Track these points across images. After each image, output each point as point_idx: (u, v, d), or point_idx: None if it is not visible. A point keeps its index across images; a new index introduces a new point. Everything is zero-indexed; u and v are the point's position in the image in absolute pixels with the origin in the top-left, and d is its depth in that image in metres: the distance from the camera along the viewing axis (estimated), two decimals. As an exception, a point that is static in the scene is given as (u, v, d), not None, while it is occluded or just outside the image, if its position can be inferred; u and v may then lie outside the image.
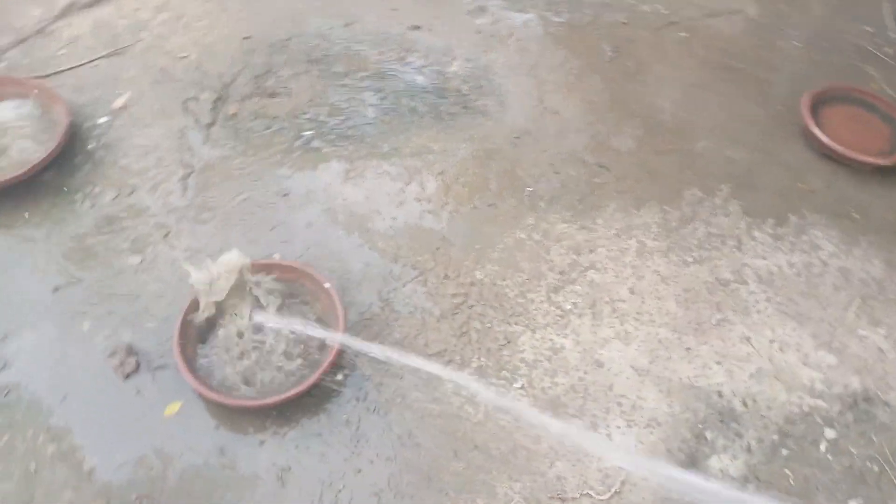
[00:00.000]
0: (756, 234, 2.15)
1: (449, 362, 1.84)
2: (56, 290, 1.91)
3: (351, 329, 1.86)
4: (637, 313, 1.96)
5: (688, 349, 1.90)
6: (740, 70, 2.66)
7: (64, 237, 2.01)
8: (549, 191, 2.22)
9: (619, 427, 1.75)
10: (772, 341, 1.92)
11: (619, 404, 1.79)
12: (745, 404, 1.80)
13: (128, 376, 1.78)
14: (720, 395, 1.81)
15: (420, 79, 2.51)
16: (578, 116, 2.44)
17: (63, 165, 2.16)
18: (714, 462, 1.71)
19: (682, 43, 2.75)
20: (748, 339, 1.92)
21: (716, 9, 2.90)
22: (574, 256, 2.07)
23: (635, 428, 1.75)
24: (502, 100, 2.47)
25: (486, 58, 2.60)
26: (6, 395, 1.73)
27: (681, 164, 2.33)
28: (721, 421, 1.77)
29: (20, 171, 2.03)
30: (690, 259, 2.08)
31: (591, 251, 2.09)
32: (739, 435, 1.75)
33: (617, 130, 2.41)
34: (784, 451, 1.72)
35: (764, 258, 2.09)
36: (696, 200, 2.23)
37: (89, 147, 2.21)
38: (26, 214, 2.05)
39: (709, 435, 1.75)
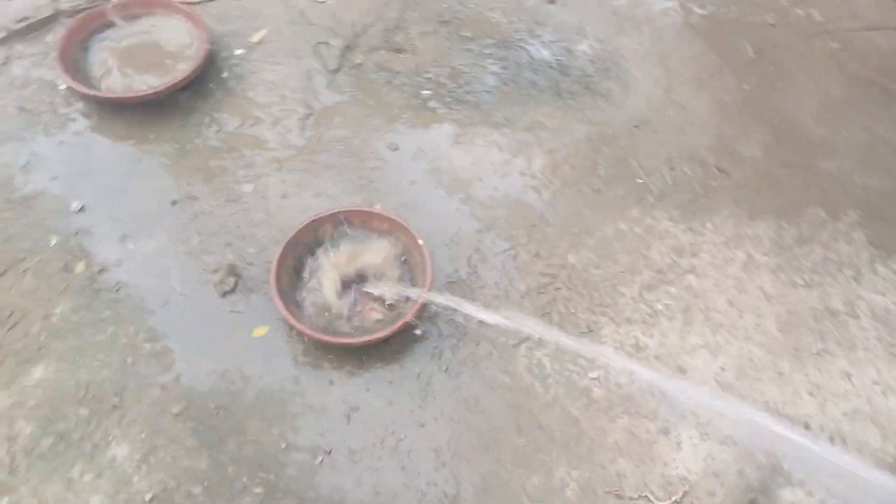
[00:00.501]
0: (879, 267, 1.99)
1: (527, 339, 1.83)
2: (174, 203, 2.04)
3: (436, 289, 1.89)
4: (732, 327, 1.87)
5: (780, 373, 1.79)
6: (893, 92, 2.45)
7: (187, 156, 2.14)
8: (660, 186, 2.14)
9: (690, 437, 1.69)
10: (875, 383, 1.78)
11: (696, 415, 1.72)
12: (832, 441, 1.69)
13: (225, 294, 1.88)
14: (807, 426, 1.71)
15: (546, 53, 2.47)
16: (705, 115, 2.33)
17: (197, 89, 2.28)
18: (787, 494, 1.62)
19: (832, 54, 2.56)
20: (849, 375, 1.79)
21: (878, 21, 2.67)
22: (675, 257, 1.99)
23: (708, 442, 1.68)
24: (627, 86, 2.39)
25: (617, 41, 2.52)
26: (117, 290, 1.88)
27: (808, 182, 2.18)
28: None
29: (157, 89, 2.16)
30: (801, 281, 1.96)
31: (693, 255, 2.00)
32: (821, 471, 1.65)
33: (744, 135, 2.28)
34: (868, 500, 1.61)
35: (883, 294, 1.94)
36: (817, 222, 2.08)
37: (223, 75, 2.33)
38: (158, 130, 2.19)
39: (786, 465, 1.65)
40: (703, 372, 1.79)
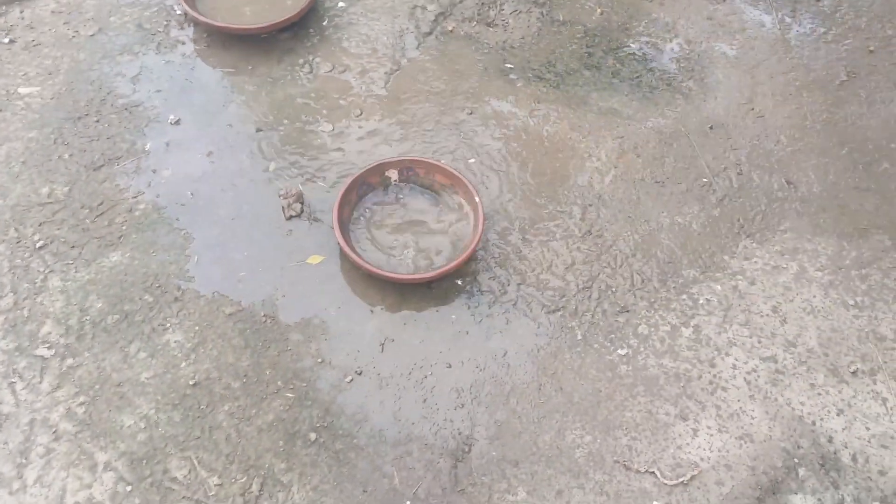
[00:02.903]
0: (939, 303, 1.94)
1: (562, 308, 1.88)
2: (258, 130, 2.19)
3: (483, 246, 1.97)
4: (771, 333, 1.87)
5: (812, 385, 1.78)
6: None
7: (279, 90, 2.29)
8: (724, 188, 2.15)
9: (709, 427, 1.70)
10: (912, 413, 1.75)
11: (718, 407, 1.74)
12: (854, 459, 1.67)
13: (290, 218, 2.02)
14: (830, 440, 1.69)
15: (634, 46, 2.50)
16: (784, 128, 2.31)
17: (298, 32, 2.43)
18: (796, 500, 1.61)
19: (932, 89, 2.48)
20: (885, 400, 1.76)
21: None
22: (726, 257, 2.00)
23: (726, 435, 1.69)
24: (708, 88, 2.39)
25: (707, 44, 2.52)
26: (194, 198, 2.04)
27: (880, 208, 2.13)
28: (821, 465, 1.66)
29: (263, 25, 2.32)
30: (851, 302, 1.93)
31: (746, 258, 2.00)
32: (836, 486, 1.63)
33: (820, 153, 2.25)
34: (879, 520, 1.59)
35: (938, 330, 1.89)
36: (881, 248, 2.04)
37: (324, 23, 2.47)
38: (256, 63, 2.35)
39: (801, 472, 1.65)
40: (733, 370, 1.80)
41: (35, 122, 2.14)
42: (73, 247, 1.92)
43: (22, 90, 2.22)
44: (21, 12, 2.40)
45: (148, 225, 1.98)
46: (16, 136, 2.10)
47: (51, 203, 1.99)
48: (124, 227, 1.97)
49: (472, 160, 2.17)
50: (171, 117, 2.19)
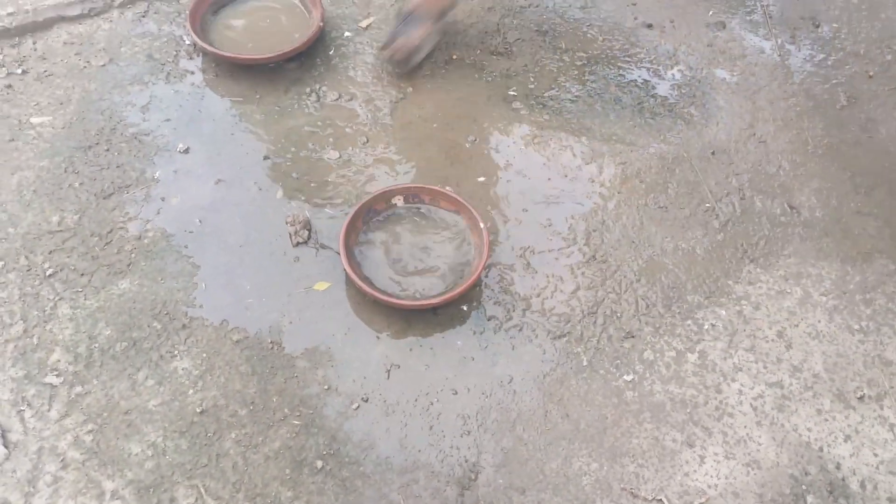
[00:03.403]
0: (944, 328, 1.94)
1: (567, 334, 1.89)
2: (265, 158, 2.22)
3: (488, 272, 1.98)
4: (777, 358, 1.87)
5: (819, 410, 1.78)
6: None
7: (286, 119, 2.32)
8: (727, 213, 2.16)
9: (715, 454, 1.70)
10: (920, 439, 1.74)
11: (724, 434, 1.73)
12: (863, 486, 1.66)
13: (297, 245, 2.04)
14: (838, 467, 1.69)
15: (635, 73, 2.53)
16: (786, 152, 2.33)
17: (305, 62, 2.47)
18: (805, 527, 1.61)
19: (932, 114, 2.50)
20: (892, 426, 1.76)
21: None
22: (730, 282, 2.01)
23: (733, 461, 1.69)
24: (710, 114, 2.42)
25: (707, 70, 2.55)
26: (202, 225, 2.06)
27: (882, 233, 2.14)
28: (829, 492, 1.65)
29: (270, 55, 2.37)
30: (857, 326, 1.93)
31: (749, 283, 2.01)
32: (844, 513, 1.63)
33: (823, 177, 2.27)
34: (889, 549, 1.58)
35: (944, 355, 1.89)
36: (885, 272, 2.05)
37: (330, 53, 2.52)
38: (264, 92, 2.39)
39: (810, 499, 1.64)
40: (739, 396, 1.80)
41: (46, 152, 2.17)
42: (82, 274, 1.94)
43: (34, 119, 2.25)
44: (34, 43, 2.45)
45: (156, 252, 2.00)
46: (27, 166, 2.14)
47: (61, 231, 2.01)
48: (133, 255, 1.99)
49: (476, 186, 2.19)
50: (180, 146, 2.23)
